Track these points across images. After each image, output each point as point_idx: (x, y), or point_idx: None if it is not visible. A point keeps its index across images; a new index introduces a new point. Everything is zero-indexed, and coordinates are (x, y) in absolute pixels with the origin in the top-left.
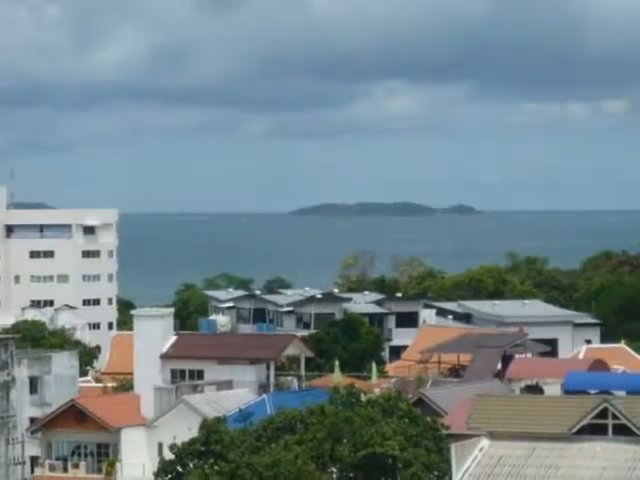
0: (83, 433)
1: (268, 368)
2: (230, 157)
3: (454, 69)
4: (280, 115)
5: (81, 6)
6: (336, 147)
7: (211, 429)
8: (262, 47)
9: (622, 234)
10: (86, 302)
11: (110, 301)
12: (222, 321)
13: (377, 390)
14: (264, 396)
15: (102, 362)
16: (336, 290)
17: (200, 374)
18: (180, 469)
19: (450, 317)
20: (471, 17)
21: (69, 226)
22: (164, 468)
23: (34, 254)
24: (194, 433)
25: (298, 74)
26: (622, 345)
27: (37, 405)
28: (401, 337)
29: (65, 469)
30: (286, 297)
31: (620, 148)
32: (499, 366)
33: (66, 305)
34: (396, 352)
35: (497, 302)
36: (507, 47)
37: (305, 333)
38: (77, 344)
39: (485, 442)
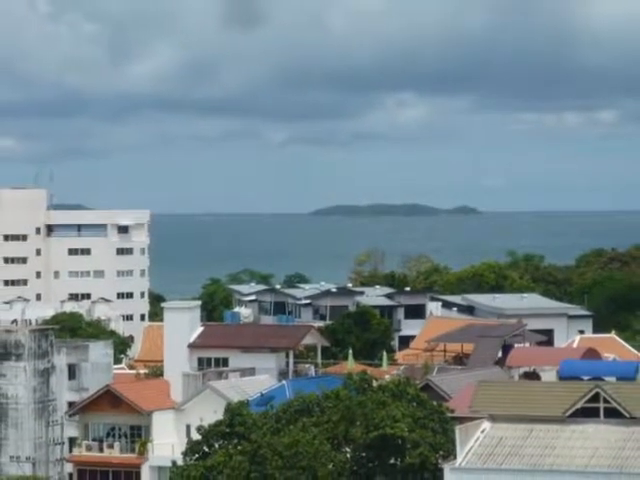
0: (117, 416)
1: (287, 356)
2: (253, 162)
3: (459, 82)
4: (299, 124)
5: (117, 23)
6: (350, 153)
7: (235, 412)
8: (283, 61)
9: (612, 233)
10: (120, 295)
11: (142, 295)
12: (245, 313)
13: (387, 376)
14: (284, 382)
15: (135, 351)
16: (350, 284)
17: (225, 362)
18: (206, 449)
19: (454, 309)
20: (474, 35)
21: (104, 226)
22: (191, 448)
23: (72, 251)
24: (219, 416)
25: (316, 86)
26: (612, 335)
27: (75, 390)
28: (409, 328)
29: (101, 449)
30: (304, 291)
31: (611, 154)
32: (499, 354)
33: (102, 298)
34: (405, 341)
35: (498, 295)
36: (507, 62)
37: (321, 324)
38: (112, 334)
39: (487, 424)
